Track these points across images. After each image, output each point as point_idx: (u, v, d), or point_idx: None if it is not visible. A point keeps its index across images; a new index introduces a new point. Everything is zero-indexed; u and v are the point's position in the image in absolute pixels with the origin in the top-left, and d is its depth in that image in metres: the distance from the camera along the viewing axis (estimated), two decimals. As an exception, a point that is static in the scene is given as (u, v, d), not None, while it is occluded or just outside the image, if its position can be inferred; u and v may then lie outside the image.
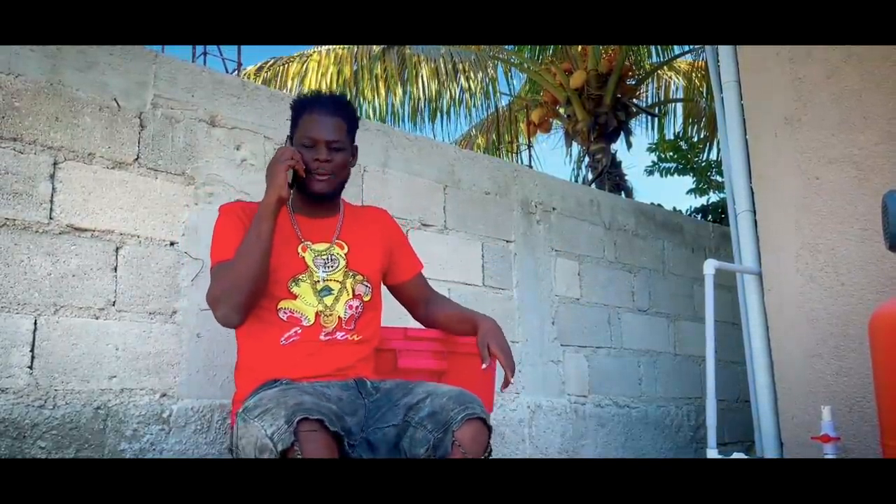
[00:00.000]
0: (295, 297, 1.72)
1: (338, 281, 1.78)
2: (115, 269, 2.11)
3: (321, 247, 1.80)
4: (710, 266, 2.77)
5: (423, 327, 2.02)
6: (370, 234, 1.89)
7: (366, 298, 1.81)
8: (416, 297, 1.99)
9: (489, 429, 1.54)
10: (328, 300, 1.75)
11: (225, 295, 1.66)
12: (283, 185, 1.67)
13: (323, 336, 1.72)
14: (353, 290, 1.79)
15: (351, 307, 1.77)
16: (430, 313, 1.99)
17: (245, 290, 1.66)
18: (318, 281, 1.75)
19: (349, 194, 2.00)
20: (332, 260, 1.79)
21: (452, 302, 2.10)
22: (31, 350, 1.94)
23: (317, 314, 1.73)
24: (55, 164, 2.05)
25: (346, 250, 1.82)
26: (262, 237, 1.66)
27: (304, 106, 1.82)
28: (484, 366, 1.76)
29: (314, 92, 2.06)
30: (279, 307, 1.72)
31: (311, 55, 7.40)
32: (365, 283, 1.82)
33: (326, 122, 1.79)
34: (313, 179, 1.76)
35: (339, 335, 1.74)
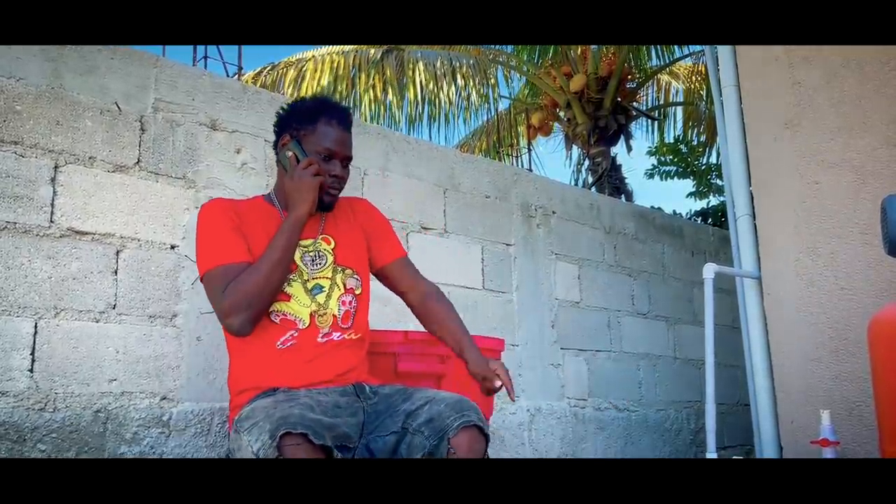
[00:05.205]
0: (288, 297, 1.69)
1: (327, 277, 1.74)
2: (116, 273, 2.12)
3: (306, 242, 1.76)
4: (709, 270, 2.77)
5: (423, 330, 2.01)
6: (353, 226, 1.85)
7: (357, 292, 1.78)
8: (400, 283, 1.90)
9: (486, 437, 1.52)
10: (320, 298, 1.71)
11: (247, 304, 1.61)
12: (316, 200, 1.69)
13: (320, 338, 1.69)
14: (345, 285, 1.76)
15: (344, 303, 1.74)
16: (427, 314, 1.87)
17: (268, 302, 1.64)
18: (308, 280, 1.72)
19: (349, 198, 1.99)
20: (319, 256, 1.76)
21: (453, 315, 1.87)
22: (32, 353, 1.94)
23: (311, 315, 1.69)
24: (56, 167, 2.05)
25: (332, 245, 1.79)
26: (291, 249, 1.67)
27: (321, 111, 1.77)
28: (498, 384, 1.70)
29: (324, 97, 2.02)
30: (271, 310, 1.67)
31: (308, 60, 7.41)
32: (354, 276, 1.79)
33: (345, 137, 1.78)
34: (324, 193, 1.75)
35: (335, 336, 1.70)
